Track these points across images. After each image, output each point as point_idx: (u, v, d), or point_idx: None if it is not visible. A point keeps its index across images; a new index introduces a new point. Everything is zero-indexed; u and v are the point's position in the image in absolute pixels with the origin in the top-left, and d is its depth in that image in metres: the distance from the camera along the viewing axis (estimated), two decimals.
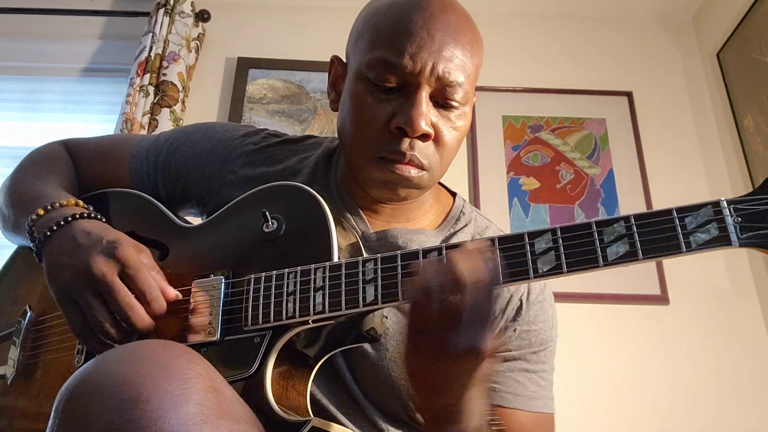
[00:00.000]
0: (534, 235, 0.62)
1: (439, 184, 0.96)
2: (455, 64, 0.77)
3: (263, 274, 0.73)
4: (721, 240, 0.56)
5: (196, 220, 0.91)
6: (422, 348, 0.59)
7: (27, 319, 0.89)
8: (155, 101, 2.06)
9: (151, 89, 2.06)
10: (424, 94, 0.77)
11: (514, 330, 0.84)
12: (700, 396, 1.82)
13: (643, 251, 0.58)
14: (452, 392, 0.61)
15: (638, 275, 1.96)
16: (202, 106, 2.21)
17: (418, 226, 0.89)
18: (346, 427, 0.77)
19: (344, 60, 0.89)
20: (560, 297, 1.92)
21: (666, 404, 1.81)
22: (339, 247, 0.73)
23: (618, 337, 1.89)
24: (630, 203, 2.06)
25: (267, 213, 0.76)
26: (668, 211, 0.58)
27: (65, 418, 0.51)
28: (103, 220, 0.82)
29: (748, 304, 1.94)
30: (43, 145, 1.02)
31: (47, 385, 0.82)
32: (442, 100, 0.79)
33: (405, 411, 0.81)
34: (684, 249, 0.57)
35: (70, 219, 0.79)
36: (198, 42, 2.28)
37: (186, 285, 0.77)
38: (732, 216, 0.57)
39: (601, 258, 0.59)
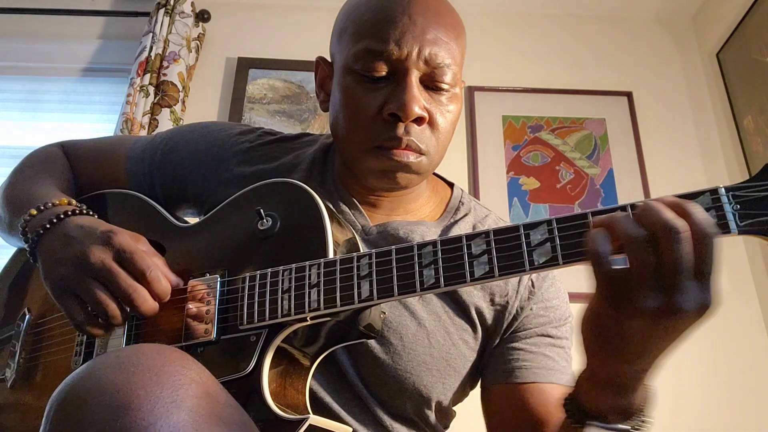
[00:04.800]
0: (529, 227, 0.61)
1: (437, 175, 0.97)
2: (440, 45, 0.78)
3: (258, 272, 0.73)
4: (720, 228, 0.54)
5: (194, 220, 0.91)
6: (637, 305, 0.52)
7: (26, 322, 0.89)
8: (155, 101, 2.06)
9: (152, 89, 2.06)
10: (414, 78, 0.77)
11: (531, 309, 0.84)
12: (699, 396, 1.82)
13: None
14: (648, 356, 0.56)
15: None
16: (202, 106, 2.21)
17: (417, 217, 0.89)
18: (350, 425, 0.77)
19: (329, 60, 0.89)
20: None
21: (665, 404, 1.81)
22: (336, 243, 0.73)
23: None
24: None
25: (261, 211, 0.76)
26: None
27: (56, 424, 0.51)
28: (96, 216, 0.82)
29: (748, 304, 1.95)
30: (40, 147, 1.02)
31: (48, 387, 0.81)
32: (431, 84, 0.79)
33: (413, 406, 0.80)
34: None
35: (62, 216, 0.79)
36: (198, 42, 2.28)
37: (182, 284, 0.77)
38: (731, 203, 0.55)
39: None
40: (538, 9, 2.40)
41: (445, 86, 0.79)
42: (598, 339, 0.57)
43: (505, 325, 0.84)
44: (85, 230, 0.76)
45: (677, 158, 2.16)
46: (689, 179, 2.12)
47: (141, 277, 0.72)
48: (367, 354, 0.78)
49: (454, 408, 0.90)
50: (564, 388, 0.79)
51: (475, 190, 2.07)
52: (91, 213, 0.82)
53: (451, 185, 0.96)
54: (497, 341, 0.85)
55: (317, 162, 0.92)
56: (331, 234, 0.72)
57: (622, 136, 2.18)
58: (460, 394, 0.87)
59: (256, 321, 0.70)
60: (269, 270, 0.72)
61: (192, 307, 0.74)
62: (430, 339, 0.79)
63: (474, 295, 0.83)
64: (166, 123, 2.02)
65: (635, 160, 2.13)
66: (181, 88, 2.10)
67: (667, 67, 2.31)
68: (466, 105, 2.24)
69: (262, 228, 0.76)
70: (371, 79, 0.79)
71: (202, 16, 2.29)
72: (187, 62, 2.17)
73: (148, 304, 0.72)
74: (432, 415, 0.83)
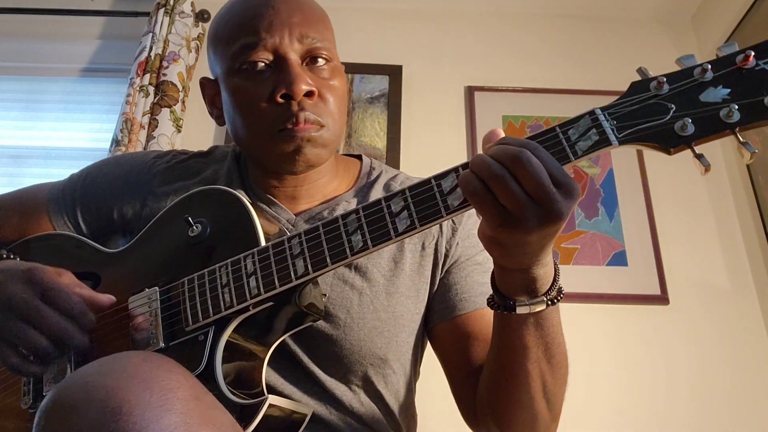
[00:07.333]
0: (439, 177, 0.66)
1: (344, 155, 1.02)
2: (307, 25, 0.86)
3: (195, 274, 0.74)
4: (603, 142, 0.61)
5: None
6: (522, 226, 0.59)
7: None
8: (155, 101, 2.06)
9: (151, 89, 2.07)
10: (293, 58, 0.84)
11: (458, 244, 0.91)
12: (700, 396, 1.82)
13: None
14: (546, 249, 0.64)
15: (638, 275, 1.96)
16: (202, 106, 2.18)
17: (336, 195, 0.94)
18: (314, 409, 0.80)
19: (213, 78, 0.95)
20: None
21: (666, 404, 1.81)
22: (267, 236, 0.75)
23: (618, 337, 1.89)
24: (630, 202, 2.06)
25: (189, 218, 0.79)
26: (553, 129, 0.63)
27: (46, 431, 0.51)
28: (18, 258, 0.83)
29: (748, 304, 1.94)
30: None
31: None
32: (310, 60, 0.86)
33: (375, 373, 0.84)
34: (572, 158, 0.61)
35: None
36: (198, 42, 2.28)
37: (119, 305, 0.78)
38: (608, 120, 0.62)
39: None
40: (538, 9, 2.40)
41: (321, 60, 0.87)
42: (501, 253, 0.65)
43: (440, 265, 0.90)
44: (6, 274, 0.76)
45: (677, 157, 2.15)
46: (689, 177, 2.12)
47: (66, 313, 0.73)
48: (320, 336, 0.81)
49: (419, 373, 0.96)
50: None
51: None
52: (12, 256, 0.83)
53: (359, 157, 1.02)
54: (437, 283, 0.90)
55: (233, 172, 0.97)
56: (260, 226, 0.75)
57: None
58: (417, 352, 0.92)
59: (201, 320, 0.72)
60: (206, 270, 0.74)
61: (135, 322, 0.75)
62: (374, 304, 0.84)
63: (405, 249, 0.89)
64: (166, 123, 2.02)
65: (635, 160, 2.13)
66: (181, 88, 2.10)
67: (666, 67, 2.30)
68: (466, 105, 2.24)
69: (192, 235, 0.79)
70: (255, 72, 0.84)
71: (202, 16, 2.29)
72: (187, 62, 2.17)
73: (77, 339, 0.72)
74: (399, 386, 0.87)
